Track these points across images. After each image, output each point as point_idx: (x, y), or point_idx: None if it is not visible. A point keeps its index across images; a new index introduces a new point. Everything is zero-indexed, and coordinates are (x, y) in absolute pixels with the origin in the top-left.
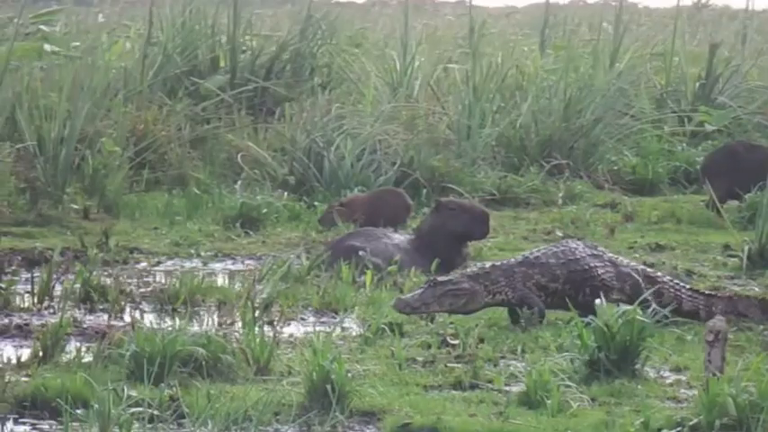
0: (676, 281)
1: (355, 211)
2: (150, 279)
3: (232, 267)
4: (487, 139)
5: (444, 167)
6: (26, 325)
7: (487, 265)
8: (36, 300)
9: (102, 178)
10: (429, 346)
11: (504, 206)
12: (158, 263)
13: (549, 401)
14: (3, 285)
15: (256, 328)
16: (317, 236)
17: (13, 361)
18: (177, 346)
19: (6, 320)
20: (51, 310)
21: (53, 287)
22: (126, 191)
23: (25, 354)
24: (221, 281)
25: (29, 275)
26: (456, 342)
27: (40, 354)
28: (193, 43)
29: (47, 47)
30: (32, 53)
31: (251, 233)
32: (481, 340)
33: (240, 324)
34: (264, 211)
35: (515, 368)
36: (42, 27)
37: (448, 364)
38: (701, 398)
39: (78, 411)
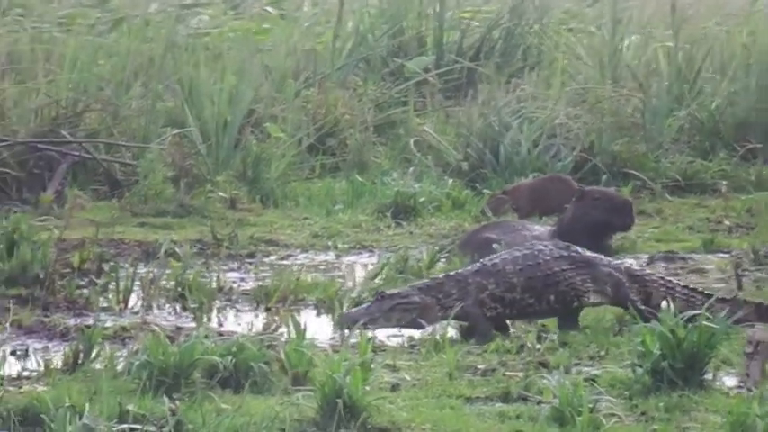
0: (669, 279)
1: (519, 199)
2: (267, 274)
3: (366, 261)
4: (679, 122)
5: (626, 153)
6: (88, 327)
7: (441, 275)
8: (120, 298)
9: (263, 165)
10: (507, 352)
11: (690, 193)
12: (289, 256)
13: (579, 418)
14: (98, 282)
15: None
16: (470, 226)
17: (42, 368)
18: (195, 354)
19: (76, 321)
20: (135, 311)
21: (151, 285)
22: (294, 178)
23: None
24: (337, 276)
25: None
26: (538, 346)
27: (71, 361)
28: (398, 22)
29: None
30: (245, 35)
31: (402, 223)
32: (564, 344)
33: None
34: (422, 199)
35: (587, 376)
36: (268, 8)
37: (506, 373)
38: (728, 417)
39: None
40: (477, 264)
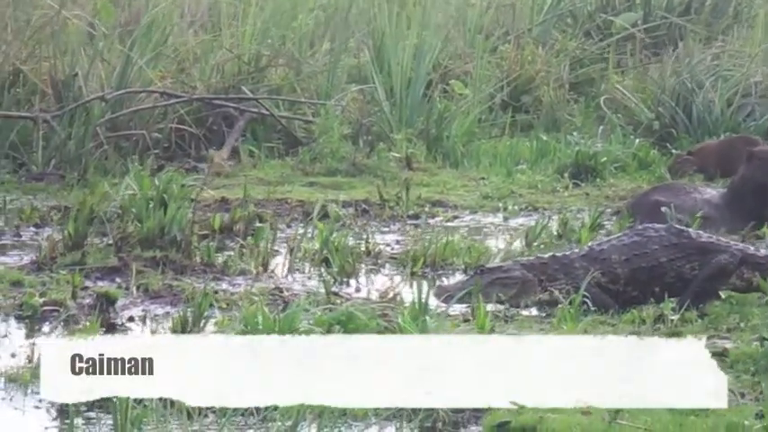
0: None
1: (704, 160)
2: (427, 237)
3: (533, 223)
4: None
5: None
6: (216, 293)
7: (546, 255)
8: (260, 261)
9: (446, 123)
10: (642, 322)
11: None
12: (455, 218)
13: None
14: (244, 243)
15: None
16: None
17: None
18: (296, 323)
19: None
20: (272, 276)
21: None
22: (480, 136)
23: None
24: (498, 239)
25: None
26: (674, 317)
27: (179, 329)
28: None
29: None
30: None
31: (581, 184)
32: (703, 315)
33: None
34: (603, 159)
35: (715, 350)
36: None
37: None
38: None
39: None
40: (585, 247)
